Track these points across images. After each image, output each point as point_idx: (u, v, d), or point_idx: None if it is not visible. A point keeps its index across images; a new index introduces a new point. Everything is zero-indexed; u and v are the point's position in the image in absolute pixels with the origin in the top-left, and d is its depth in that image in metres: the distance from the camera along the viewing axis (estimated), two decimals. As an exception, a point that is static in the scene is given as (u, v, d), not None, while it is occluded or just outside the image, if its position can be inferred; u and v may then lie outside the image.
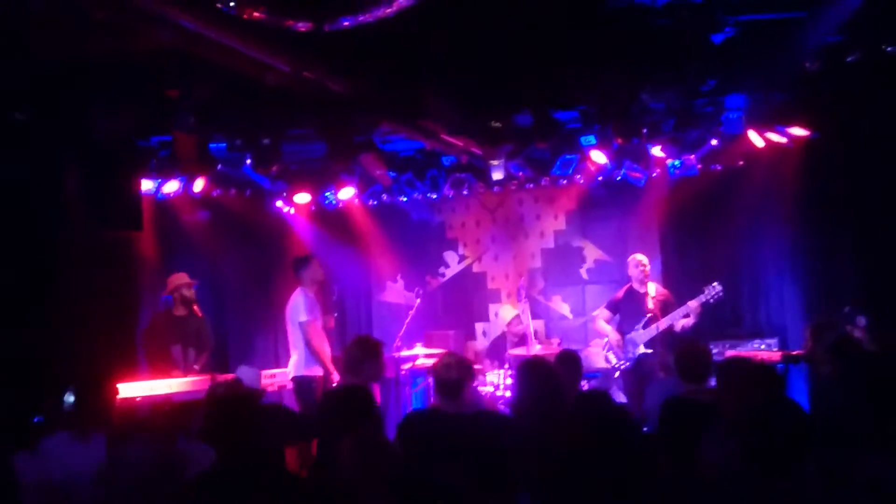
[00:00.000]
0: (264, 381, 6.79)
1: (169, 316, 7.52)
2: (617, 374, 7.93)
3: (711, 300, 7.61)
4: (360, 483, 3.05)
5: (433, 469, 3.16)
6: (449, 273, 10.17)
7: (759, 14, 6.27)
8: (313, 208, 9.70)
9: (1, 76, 5.66)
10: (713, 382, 4.92)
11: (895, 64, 6.31)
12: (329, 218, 9.86)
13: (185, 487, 3.10)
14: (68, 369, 5.94)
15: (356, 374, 5.08)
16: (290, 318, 7.38)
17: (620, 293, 8.08)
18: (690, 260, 8.86)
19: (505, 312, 9.56)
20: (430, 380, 7.72)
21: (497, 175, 8.47)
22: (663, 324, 7.52)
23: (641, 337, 7.73)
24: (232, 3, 4.77)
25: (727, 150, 8.07)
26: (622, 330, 7.94)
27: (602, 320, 8.15)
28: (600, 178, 8.92)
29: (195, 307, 7.47)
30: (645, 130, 7.58)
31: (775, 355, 7.26)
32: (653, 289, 7.87)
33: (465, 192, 9.38)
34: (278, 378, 7.22)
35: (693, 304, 7.61)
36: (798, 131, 7.58)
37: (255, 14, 4.84)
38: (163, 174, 8.09)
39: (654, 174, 8.58)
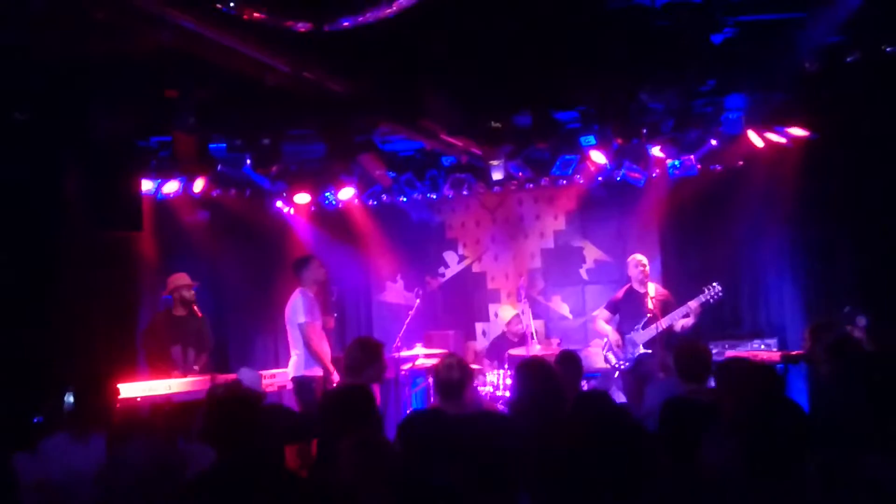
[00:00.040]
0: (264, 382, 6.79)
1: (169, 316, 7.52)
2: (616, 374, 7.93)
3: (711, 300, 7.61)
4: (360, 483, 3.05)
5: (433, 470, 3.16)
6: (449, 273, 10.17)
7: (758, 14, 6.27)
8: (313, 208, 9.71)
9: (1, 76, 5.66)
10: (713, 383, 4.94)
11: (894, 64, 6.31)
12: (329, 218, 9.87)
13: (184, 488, 3.10)
14: (68, 369, 5.95)
15: (357, 375, 5.09)
16: (289, 319, 7.38)
17: (620, 293, 8.08)
18: (690, 260, 8.87)
19: (504, 312, 9.57)
20: (431, 380, 7.73)
21: (497, 175, 8.48)
22: (663, 324, 7.52)
23: (641, 337, 7.73)
24: (232, 4, 4.77)
25: (727, 151, 8.07)
26: (622, 330, 7.94)
27: (602, 320, 8.15)
28: (600, 179, 8.93)
29: (195, 307, 7.47)
30: (644, 131, 7.59)
31: (775, 355, 7.26)
32: (652, 289, 7.87)
33: (464, 193, 9.39)
34: (278, 378, 7.22)
35: (693, 304, 7.61)
36: (797, 132, 7.59)
37: (255, 14, 4.84)
38: (163, 174, 8.09)
39: (654, 174, 8.59)
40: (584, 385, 6.88)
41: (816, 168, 7.88)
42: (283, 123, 7.67)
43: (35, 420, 5.13)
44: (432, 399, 7.73)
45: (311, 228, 9.86)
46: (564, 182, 9.19)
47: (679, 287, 8.21)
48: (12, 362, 6.15)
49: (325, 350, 7.30)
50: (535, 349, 8.25)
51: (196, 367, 7.26)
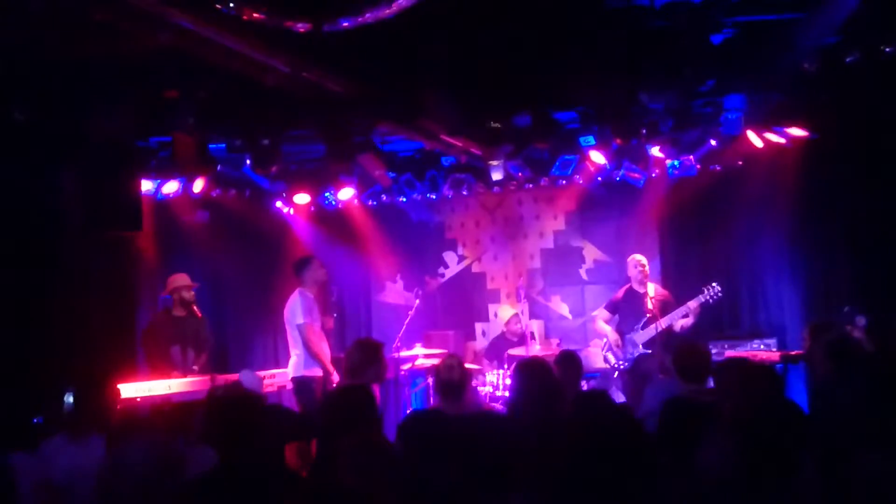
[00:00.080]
0: (264, 384, 6.79)
1: (168, 316, 7.51)
2: (616, 374, 7.93)
3: (710, 300, 7.62)
4: (360, 484, 3.05)
5: (433, 470, 3.16)
6: (448, 273, 10.17)
7: (757, 15, 6.28)
8: (313, 209, 9.71)
9: (1, 76, 5.66)
10: (712, 383, 4.94)
11: (894, 64, 6.31)
12: (328, 218, 9.87)
13: (186, 488, 3.10)
14: (68, 369, 5.95)
15: (358, 376, 5.09)
16: (288, 320, 7.38)
17: (620, 293, 8.09)
18: (689, 260, 8.87)
19: (504, 312, 9.57)
20: (430, 380, 7.74)
21: (496, 175, 8.48)
22: (662, 324, 7.53)
23: (641, 337, 7.74)
24: (231, 4, 4.78)
25: (726, 151, 8.07)
26: (621, 330, 7.95)
27: (601, 320, 8.15)
28: (599, 179, 8.93)
29: (194, 308, 7.47)
30: (644, 131, 7.59)
31: (774, 355, 7.28)
32: (652, 289, 7.88)
33: (464, 193, 9.39)
34: (278, 379, 7.21)
35: (692, 304, 7.62)
36: (797, 132, 7.59)
37: (255, 15, 4.85)
38: (162, 175, 8.09)
39: (653, 174, 8.59)
40: (584, 385, 6.89)
41: (815, 168, 7.89)
42: (283, 124, 7.67)
43: (35, 420, 5.13)
44: (432, 399, 7.74)
45: (310, 229, 9.87)
46: (564, 182, 9.19)
47: (678, 287, 8.22)
48: (12, 362, 6.15)
49: (325, 351, 7.30)
50: (535, 349, 8.26)
51: (195, 368, 7.26)
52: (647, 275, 7.93)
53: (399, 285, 10.18)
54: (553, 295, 9.72)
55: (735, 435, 2.97)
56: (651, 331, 7.64)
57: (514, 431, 3.26)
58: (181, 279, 7.50)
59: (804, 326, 6.64)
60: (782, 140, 7.74)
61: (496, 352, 8.86)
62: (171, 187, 8.31)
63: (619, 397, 7.72)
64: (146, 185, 7.97)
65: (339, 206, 9.66)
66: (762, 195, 8.34)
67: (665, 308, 7.69)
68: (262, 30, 5.14)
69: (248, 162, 7.99)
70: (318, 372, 7.23)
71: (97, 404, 4.49)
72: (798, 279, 8.32)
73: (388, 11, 4.74)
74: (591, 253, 9.62)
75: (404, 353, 8.20)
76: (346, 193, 9.33)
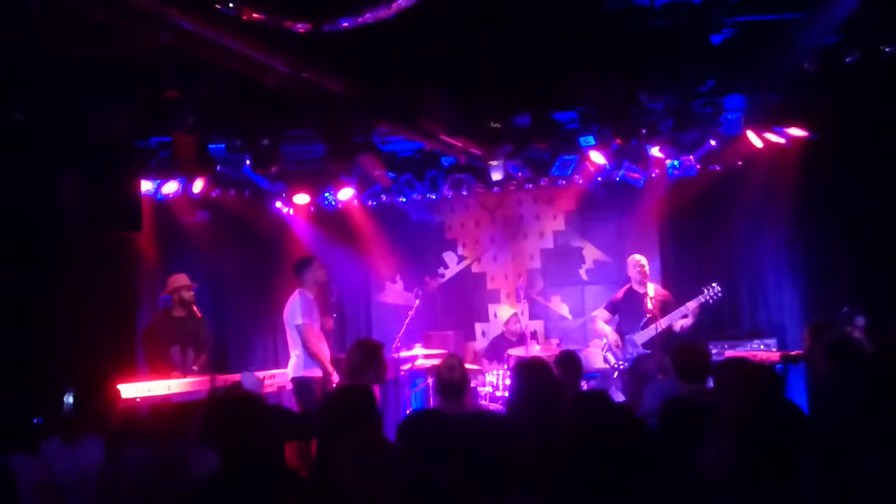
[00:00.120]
0: (265, 384, 6.79)
1: (168, 317, 7.51)
2: (616, 374, 7.93)
3: (710, 301, 7.62)
4: (360, 484, 3.05)
5: (433, 470, 3.16)
6: (448, 274, 10.17)
7: (757, 15, 6.28)
8: (312, 209, 9.71)
9: (1, 76, 5.66)
10: (712, 383, 4.94)
11: (893, 65, 6.32)
12: (328, 218, 9.87)
13: (188, 488, 3.10)
14: (68, 369, 5.95)
15: (358, 377, 5.09)
16: (287, 320, 7.38)
17: (620, 294, 8.09)
18: (689, 260, 8.87)
19: (503, 313, 9.57)
20: (431, 381, 7.74)
21: (496, 175, 8.48)
22: (662, 324, 7.53)
23: (640, 337, 7.74)
24: (231, 5, 4.78)
25: (726, 151, 8.07)
26: (621, 330, 7.95)
27: (601, 321, 8.15)
28: (599, 179, 8.93)
29: (194, 308, 7.47)
30: (644, 131, 7.59)
31: (774, 355, 7.28)
32: (652, 289, 7.88)
33: (464, 193, 9.38)
34: (277, 379, 7.21)
35: (692, 304, 7.62)
36: (796, 132, 7.59)
37: (255, 15, 4.85)
38: (162, 175, 8.08)
39: (653, 175, 8.59)
40: (584, 385, 6.89)
41: (815, 168, 7.89)
42: (283, 124, 7.67)
43: (35, 420, 5.13)
44: (432, 399, 7.74)
45: (310, 229, 9.86)
46: (564, 182, 9.19)
47: (678, 287, 8.22)
48: (12, 362, 6.15)
49: (324, 351, 7.30)
50: (535, 349, 8.26)
51: (195, 368, 7.26)
52: (646, 275, 7.93)
53: (399, 285, 10.18)
54: (553, 295, 9.72)
55: (735, 435, 2.97)
56: (651, 331, 7.63)
57: (513, 431, 3.26)
58: (180, 279, 7.50)
59: (804, 326, 6.64)
60: (782, 140, 7.74)
61: (496, 352, 8.86)
62: (171, 187, 8.31)
63: (619, 397, 7.72)
64: (146, 186, 7.96)
65: (339, 206, 9.65)
66: (762, 195, 8.35)
67: (665, 308, 7.69)
68: (262, 30, 5.14)
69: (247, 162, 7.99)
70: (318, 372, 7.22)
71: (97, 405, 4.49)
72: (798, 279, 8.32)
73: (387, 12, 4.74)
74: (591, 253, 9.62)
75: (404, 354, 8.20)
76: (346, 193, 9.33)
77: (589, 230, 9.63)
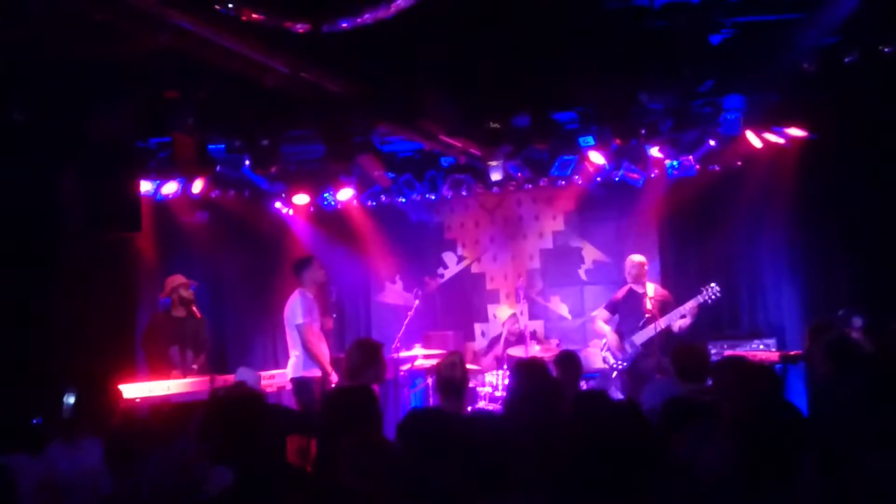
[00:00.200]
0: (263, 383, 6.80)
1: (167, 317, 7.51)
2: (615, 374, 7.93)
3: (709, 301, 7.61)
4: (360, 484, 3.05)
5: (433, 469, 3.17)
6: (448, 274, 10.17)
7: (756, 15, 6.29)
8: (312, 209, 9.71)
9: (1, 76, 5.66)
10: (711, 383, 4.94)
11: (893, 65, 6.32)
12: (328, 219, 9.87)
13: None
14: (68, 370, 5.95)
15: (358, 377, 5.09)
16: (287, 320, 7.38)
17: (619, 294, 8.09)
18: (688, 260, 8.87)
19: (502, 313, 9.58)
20: (430, 380, 7.74)
21: (496, 176, 8.48)
22: (661, 324, 7.53)
23: (639, 337, 7.74)
24: (230, 5, 4.78)
25: (725, 151, 8.08)
26: (621, 330, 7.95)
27: (601, 321, 8.15)
28: (599, 179, 8.93)
29: (194, 308, 7.47)
30: (643, 131, 7.59)
31: (773, 356, 7.28)
32: (652, 289, 7.88)
33: (463, 193, 9.39)
34: (277, 379, 7.22)
35: (691, 304, 7.62)
36: (796, 132, 7.59)
37: (254, 15, 4.85)
38: (161, 175, 8.09)
39: (653, 175, 8.59)
40: (583, 385, 6.89)
41: (815, 169, 7.89)
42: (282, 124, 7.67)
43: (35, 421, 5.13)
44: (432, 399, 7.74)
45: (309, 229, 9.87)
46: (563, 182, 9.19)
47: (677, 287, 8.21)
48: (12, 362, 6.15)
49: (324, 351, 7.30)
50: (534, 349, 8.26)
51: (195, 368, 7.27)
52: (645, 275, 7.93)
53: (398, 286, 10.18)
54: (552, 295, 9.72)
55: (734, 435, 2.97)
56: (649, 331, 7.64)
57: (513, 431, 3.26)
58: (179, 279, 7.51)
59: (804, 326, 6.64)
60: (781, 140, 7.74)
61: (495, 352, 8.86)
62: (171, 188, 8.31)
63: (618, 397, 7.72)
64: (146, 186, 7.97)
65: (339, 206, 9.66)
66: (761, 195, 8.35)
67: (664, 308, 7.69)
68: (262, 30, 5.15)
69: (247, 162, 7.99)
70: (318, 373, 7.22)
71: (98, 405, 4.49)
72: (798, 279, 8.32)
73: (387, 12, 4.75)
74: (591, 253, 9.62)
75: (404, 354, 8.20)
76: (346, 194, 9.33)
77: (588, 230, 9.63)
